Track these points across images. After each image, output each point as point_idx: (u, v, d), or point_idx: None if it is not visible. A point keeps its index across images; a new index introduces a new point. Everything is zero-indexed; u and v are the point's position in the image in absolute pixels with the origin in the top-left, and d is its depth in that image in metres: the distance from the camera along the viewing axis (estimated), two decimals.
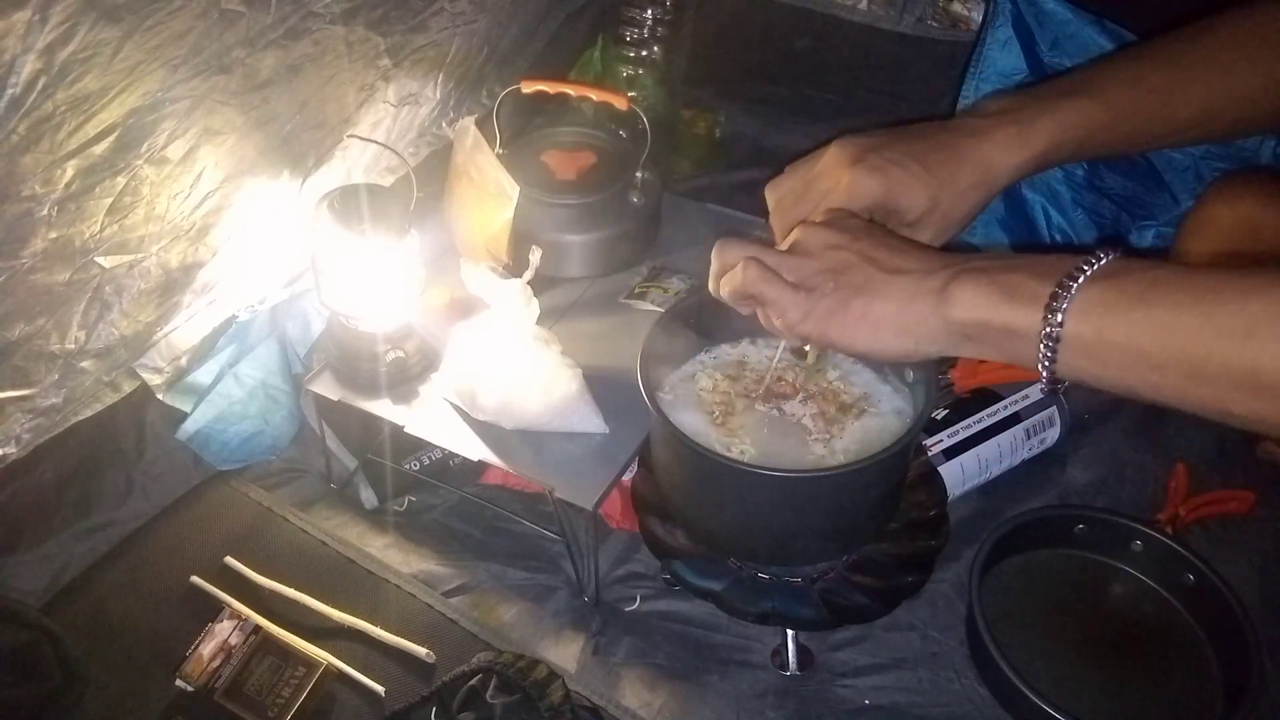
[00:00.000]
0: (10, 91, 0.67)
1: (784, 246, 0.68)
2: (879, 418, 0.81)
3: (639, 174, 1.06)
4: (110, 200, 0.79)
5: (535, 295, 0.86)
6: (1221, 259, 0.91)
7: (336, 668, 0.82)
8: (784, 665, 0.84)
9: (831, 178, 0.71)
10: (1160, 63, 0.74)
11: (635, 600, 0.90)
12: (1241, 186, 0.91)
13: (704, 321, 0.86)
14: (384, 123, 1.07)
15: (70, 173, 0.75)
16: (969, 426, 0.97)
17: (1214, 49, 0.73)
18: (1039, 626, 0.86)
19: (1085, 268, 0.54)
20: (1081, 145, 0.73)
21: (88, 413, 0.89)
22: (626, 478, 0.90)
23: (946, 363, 0.80)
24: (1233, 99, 0.73)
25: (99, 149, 0.76)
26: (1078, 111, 0.72)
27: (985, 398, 0.99)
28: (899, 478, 0.81)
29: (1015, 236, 1.18)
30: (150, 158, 0.80)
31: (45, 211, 0.75)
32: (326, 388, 0.93)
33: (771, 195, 0.75)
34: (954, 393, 0.84)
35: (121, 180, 0.79)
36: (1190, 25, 0.74)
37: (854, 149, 0.70)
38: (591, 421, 0.88)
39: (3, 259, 0.74)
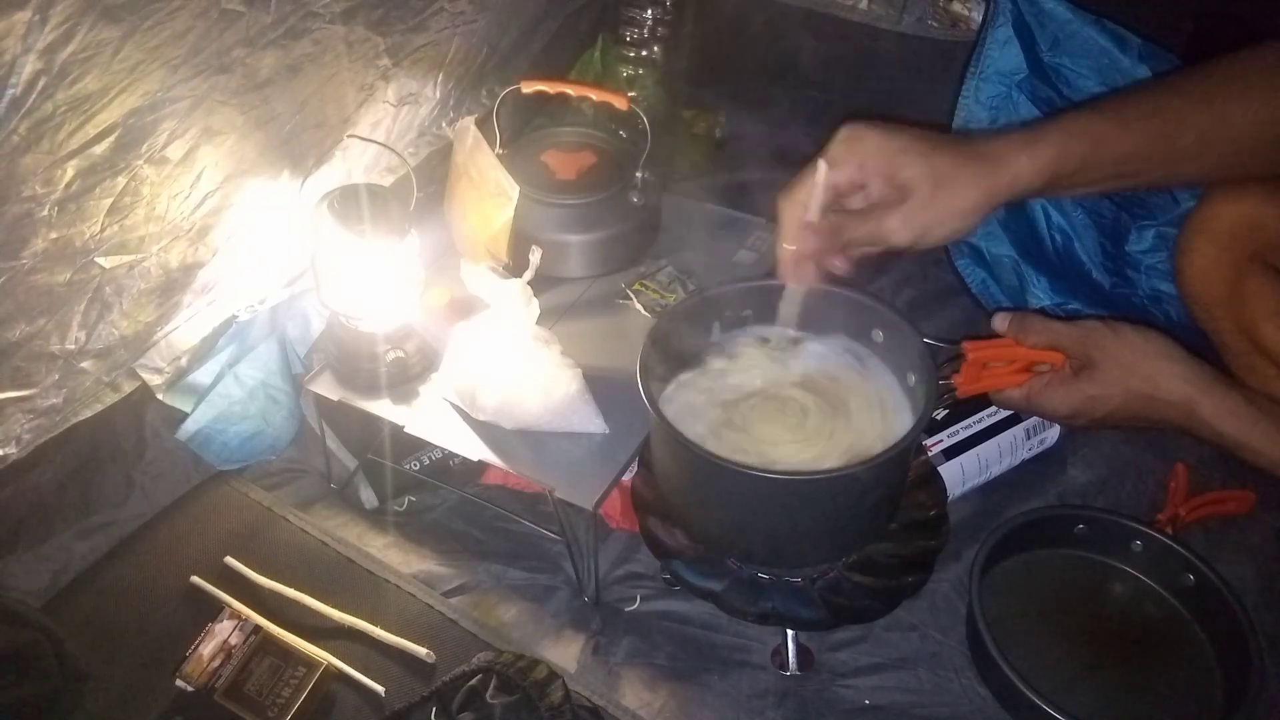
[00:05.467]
0: (11, 92, 0.67)
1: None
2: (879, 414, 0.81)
3: (639, 174, 1.06)
4: (110, 200, 0.79)
5: (535, 295, 0.86)
6: (1224, 256, 0.92)
7: (336, 668, 0.82)
8: (784, 665, 0.84)
9: (843, 143, 0.73)
10: (1166, 90, 0.76)
11: (635, 600, 0.90)
12: (1244, 184, 0.91)
13: (704, 320, 0.86)
14: (384, 122, 1.07)
15: (70, 173, 0.75)
16: (969, 427, 0.97)
17: (1215, 83, 0.75)
18: (1039, 626, 0.86)
19: None
20: (1087, 159, 0.74)
21: (88, 413, 0.89)
22: (626, 478, 0.90)
23: (949, 366, 0.80)
24: (1225, 135, 0.75)
25: (99, 149, 0.76)
26: (1085, 122, 0.74)
27: (985, 398, 0.99)
28: (899, 479, 0.81)
29: (1015, 236, 1.18)
30: (150, 158, 0.80)
31: (45, 212, 0.75)
32: (326, 388, 0.93)
33: (782, 196, 0.76)
34: (955, 395, 0.84)
35: (122, 180, 0.79)
36: (1207, 61, 0.76)
37: (866, 123, 0.73)
38: (591, 421, 0.88)
39: (3, 259, 0.74)
